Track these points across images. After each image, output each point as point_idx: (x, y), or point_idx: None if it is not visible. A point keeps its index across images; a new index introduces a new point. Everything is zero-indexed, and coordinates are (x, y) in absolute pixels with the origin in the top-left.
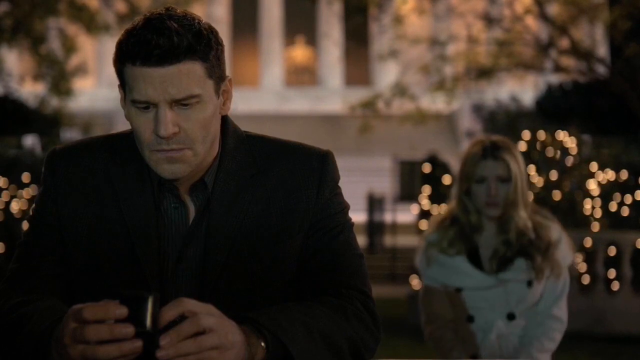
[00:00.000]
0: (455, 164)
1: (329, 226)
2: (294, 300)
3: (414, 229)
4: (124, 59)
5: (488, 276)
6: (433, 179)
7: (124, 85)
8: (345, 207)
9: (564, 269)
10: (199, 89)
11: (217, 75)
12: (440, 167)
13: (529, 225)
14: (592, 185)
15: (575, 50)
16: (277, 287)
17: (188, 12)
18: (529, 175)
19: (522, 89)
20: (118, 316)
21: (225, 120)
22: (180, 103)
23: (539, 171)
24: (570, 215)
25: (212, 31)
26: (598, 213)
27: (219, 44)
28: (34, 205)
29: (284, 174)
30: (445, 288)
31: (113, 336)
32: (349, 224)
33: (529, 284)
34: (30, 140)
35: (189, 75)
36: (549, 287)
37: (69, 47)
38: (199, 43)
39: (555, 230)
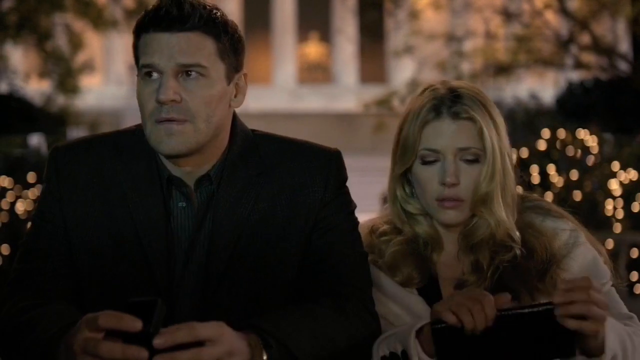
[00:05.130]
0: None
1: (332, 224)
2: (296, 299)
3: None
4: (139, 31)
5: None
6: None
7: (137, 61)
8: (351, 207)
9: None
10: (207, 63)
11: (230, 62)
12: None
13: (513, 233)
14: (614, 185)
15: (597, 46)
16: (280, 286)
17: (212, 4)
18: (517, 157)
19: (542, 86)
20: (131, 328)
21: (233, 118)
22: (185, 72)
23: (559, 171)
24: (591, 216)
25: (232, 22)
26: (620, 214)
27: (237, 35)
28: (37, 204)
29: (290, 172)
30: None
31: (125, 356)
32: (354, 223)
33: None
34: (35, 140)
35: (198, 46)
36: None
37: (76, 43)
38: (212, 20)
39: (564, 234)
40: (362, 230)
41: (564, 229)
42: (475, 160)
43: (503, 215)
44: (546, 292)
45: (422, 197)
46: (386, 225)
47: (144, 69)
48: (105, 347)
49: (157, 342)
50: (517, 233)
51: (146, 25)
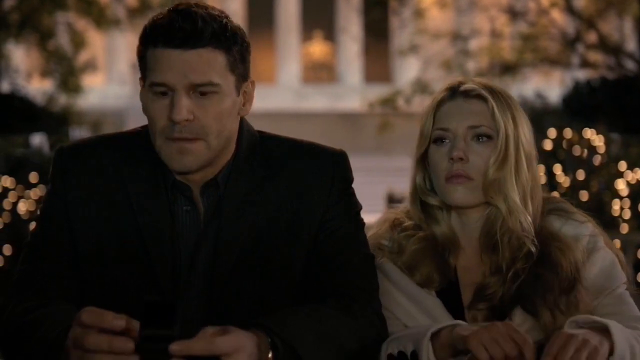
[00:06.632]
0: None
1: (338, 226)
2: (302, 300)
3: None
4: (147, 42)
5: None
6: None
7: (144, 72)
8: (357, 208)
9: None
10: (219, 79)
11: (239, 72)
12: None
13: (524, 219)
14: (621, 185)
15: (603, 45)
16: (286, 289)
17: (218, 9)
18: (539, 153)
19: (548, 85)
20: (114, 327)
21: (240, 120)
22: (198, 91)
23: (565, 171)
24: (598, 217)
25: (239, 29)
26: (627, 214)
27: (245, 42)
28: (42, 204)
29: (296, 174)
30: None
31: (111, 349)
32: (360, 225)
33: None
34: (37, 139)
35: (210, 63)
36: None
37: (78, 42)
38: (223, 33)
39: (584, 239)
40: (384, 223)
41: (584, 235)
42: (486, 140)
43: (517, 199)
44: (568, 313)
45: (435, 182)
46: (409, 221)
47: (155, 87)
48: (91, 339)
49: (174, 348)
50: (529, 218)
51: (155, 39)
